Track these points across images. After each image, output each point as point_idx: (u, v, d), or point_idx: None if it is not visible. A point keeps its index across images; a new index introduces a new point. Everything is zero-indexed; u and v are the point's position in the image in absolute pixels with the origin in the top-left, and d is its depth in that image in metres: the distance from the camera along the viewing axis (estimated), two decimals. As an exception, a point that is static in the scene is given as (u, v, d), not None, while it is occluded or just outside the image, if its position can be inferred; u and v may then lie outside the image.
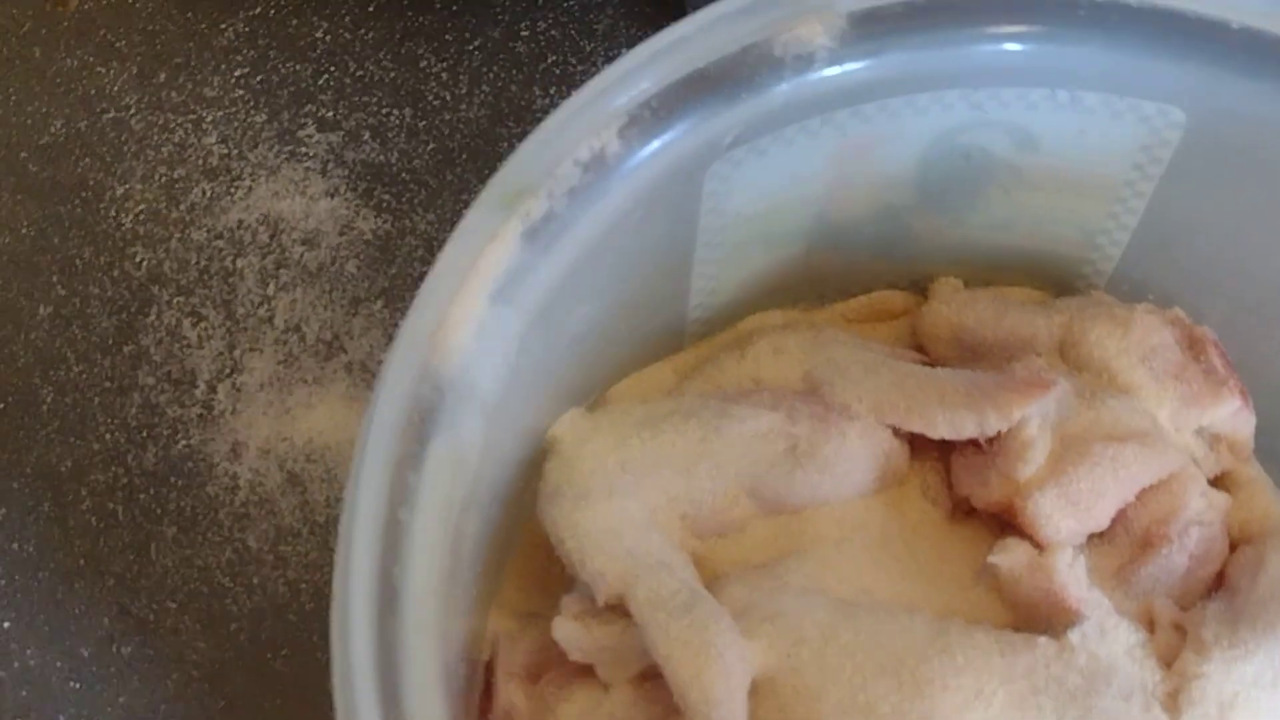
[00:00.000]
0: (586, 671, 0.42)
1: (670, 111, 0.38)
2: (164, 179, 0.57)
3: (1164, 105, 0.42)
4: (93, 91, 0.58)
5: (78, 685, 0.49)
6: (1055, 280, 0.50)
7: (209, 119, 0.58)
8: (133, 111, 0.58)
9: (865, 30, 0.39)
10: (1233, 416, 0.47)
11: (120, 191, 0.57)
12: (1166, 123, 0.43)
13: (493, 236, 0.36)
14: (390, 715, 0.31)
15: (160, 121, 0.58)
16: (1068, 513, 0.42)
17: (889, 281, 0.50)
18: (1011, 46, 0.41)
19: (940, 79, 0.41)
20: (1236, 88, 0.41)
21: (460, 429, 0.35)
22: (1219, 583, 0.44)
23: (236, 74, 0.59)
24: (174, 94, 0.58)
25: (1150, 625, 0.43)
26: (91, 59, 0.59)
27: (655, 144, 0.38)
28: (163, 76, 0.59)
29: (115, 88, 0.59)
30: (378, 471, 0.33)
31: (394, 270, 0.55)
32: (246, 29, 0.60)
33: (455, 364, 0.35)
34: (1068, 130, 0.43)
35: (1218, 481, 0.47)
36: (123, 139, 0.58)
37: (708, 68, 0.38)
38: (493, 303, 0.36)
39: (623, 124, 0.38)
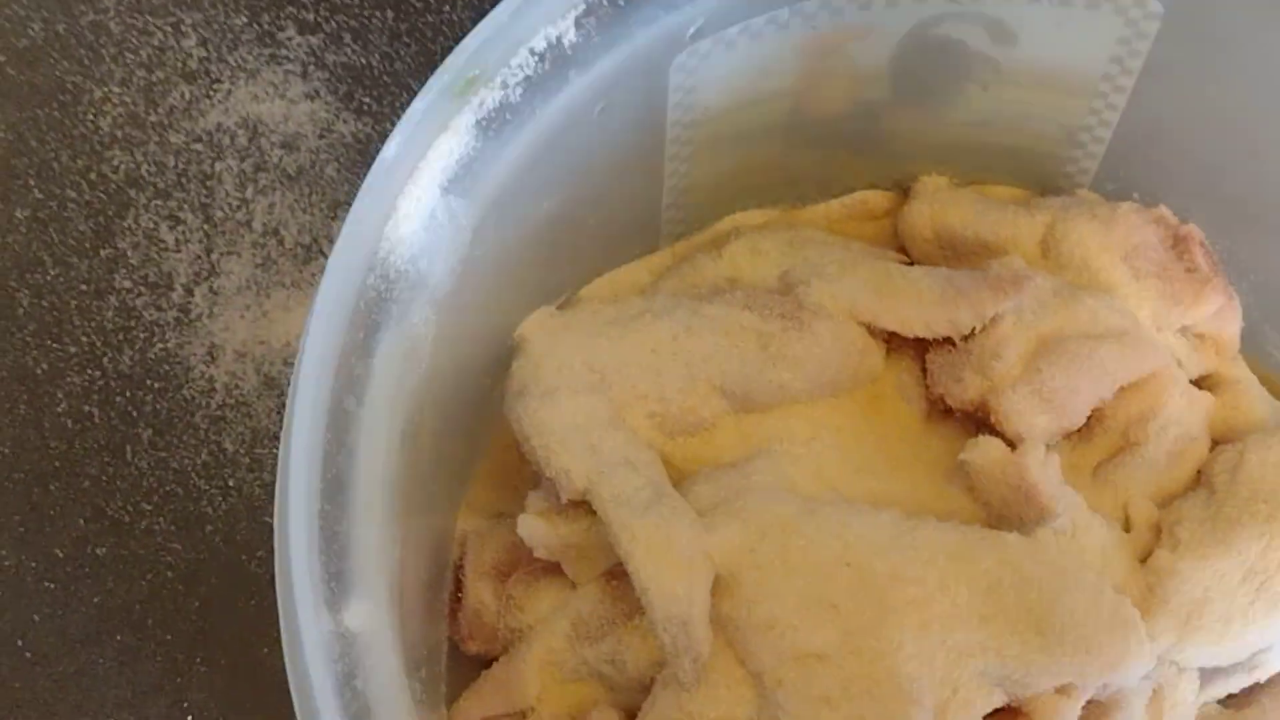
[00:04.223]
0: (554, 569, 0.42)
1: (629, 0, 0.37)
2: (142, 82, 0.56)
3: (1141, -4, 0.41)
4: (70, -6, 0.58)
5: (52, 585, 0.49)
6: (1040, 179, 0.49)
7: (188, 21, 0.57)
8: (111, 14, 0.57)
9: (834, -85, 0.39)
10: (1216, 316, 0.46)
11: (98, 95, 0.56)
12: (1144, 14, 0.42)
13: (444, 126, 0.35)
14: (335, 602, 0.31)
15: (139, 24, 0.57)
16: (1041, 409, 0.42)
17: (870, 181, 0.49)
18: (987, -68, 0.40)
19: (914, -33, 0.41)
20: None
21: (410, 320, 0.35)
22: (1198, 480, 0.44)
23: (216, -25, 0.58)
24: (153, -4, 0.57)
25: (1126, 523, 0.43)
26: (70, -39, 0.58)
27: (614, 33, 0.37)
28: (142, -22, 0.58)
29: (94, -10, 0.58)
30: (323, 360, 0.32)
31: (373, 173, 0.54)
32: (227, -70, 0.59)
33: (404, 254, 0.34)
34: (1045, 23, 0.42)
35: (1202, 381, 0.46)
36: (101, 42, 0.57)
37: (669, -46, 0.38)
38: (444, 193, 0.35)
39: (580, 12, 0.37)
